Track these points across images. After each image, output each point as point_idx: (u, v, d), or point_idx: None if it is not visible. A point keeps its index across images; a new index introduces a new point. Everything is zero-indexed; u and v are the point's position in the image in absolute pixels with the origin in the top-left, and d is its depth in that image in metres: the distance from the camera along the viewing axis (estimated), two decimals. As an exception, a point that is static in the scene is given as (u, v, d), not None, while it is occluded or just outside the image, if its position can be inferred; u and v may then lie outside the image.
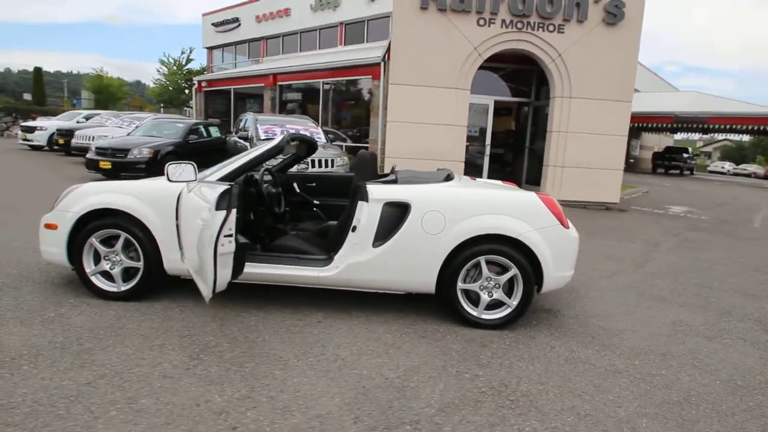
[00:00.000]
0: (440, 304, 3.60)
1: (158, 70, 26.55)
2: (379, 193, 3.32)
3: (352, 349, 2.92)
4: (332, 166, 8.89)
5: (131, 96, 41.26)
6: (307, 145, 4.56)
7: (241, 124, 11.11)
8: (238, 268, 2.83)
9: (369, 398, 2.38)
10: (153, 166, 10.17)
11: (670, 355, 3.17)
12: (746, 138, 43.43)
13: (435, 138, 10.23)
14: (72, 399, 2.20)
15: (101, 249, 3.44)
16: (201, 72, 25.77)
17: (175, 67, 25.78)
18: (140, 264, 3.44)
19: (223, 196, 2.69)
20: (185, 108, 27.59)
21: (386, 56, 11.82)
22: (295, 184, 4.66)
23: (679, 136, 38.96)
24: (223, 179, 3.32)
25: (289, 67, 17.82)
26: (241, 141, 10.14)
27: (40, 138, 15.34)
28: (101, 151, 10.01)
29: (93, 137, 12.77)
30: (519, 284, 3.32)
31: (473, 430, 2.19)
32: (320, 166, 8.45)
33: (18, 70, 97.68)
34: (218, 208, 2.64)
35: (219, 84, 21.23)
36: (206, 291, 2.66)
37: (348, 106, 16.95)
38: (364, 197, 3.33)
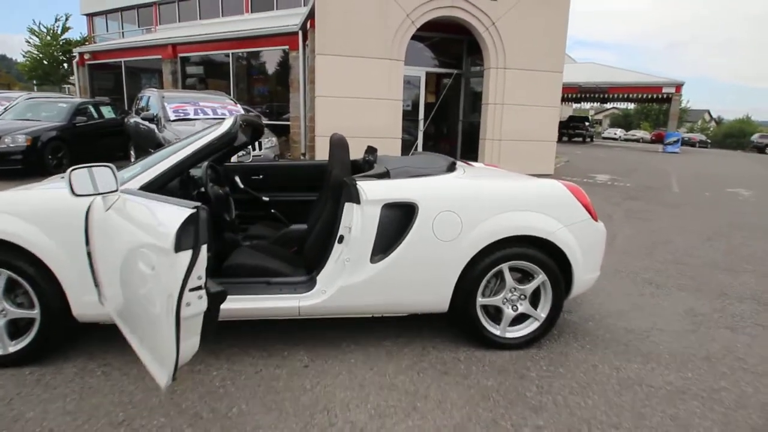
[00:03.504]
0: (450, 323, 2.95)
1: (28, 41, 22.31)
2: (374, 192, 2.53)
3: (367, 407, 2.17)
4: (260, 149, 7.81)
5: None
6: (253, 128, 3.58)
7: (142, 103, 9.49)
8: (208, 329, 1.84)
9: (427, 499, 1.67)
10: (31, 157, 8.43)
11: (713, 358, 2.81)
12: (631, 106, 47.54)
13: (369, 113, 9.43)
14: None
15: (-33, 297, 2.31)
16: (82, 42, 22.11)
17: (49, 37, 21.81)
18: (35, 312, 2.37)
19: (186, 227, 1.61)
20: (65, 85, 23.69)
21: (307, 24, 10.67)
22: (237, 178, 3.71)
23: (575, 105, 41.64)
24: (148, 186, 2.32)
25: (191, 36, 15.76)
26: (145, 123, 8.62)
27: None
28: (-38, 142, 8.09)
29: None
30: (547, 292, 2.75)
31: None
32: (252, 149, 7.30)
33: None
34: (180, 247, 1.60)
35: (106, 56, 18.37)
36: (161, 373, 1.69)
37: (262, 80, 15.44)
38: (355, 198, 2.53)
